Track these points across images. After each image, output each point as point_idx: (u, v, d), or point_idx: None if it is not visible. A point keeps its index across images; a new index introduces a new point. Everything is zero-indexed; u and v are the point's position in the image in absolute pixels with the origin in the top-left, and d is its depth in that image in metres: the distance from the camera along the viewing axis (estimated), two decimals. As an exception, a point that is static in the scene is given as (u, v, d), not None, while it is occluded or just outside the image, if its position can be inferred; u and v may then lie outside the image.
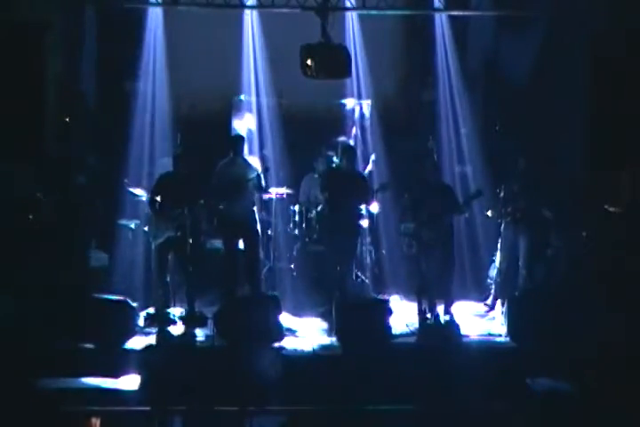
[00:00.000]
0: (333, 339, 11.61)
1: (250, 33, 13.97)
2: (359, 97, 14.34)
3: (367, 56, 14.10)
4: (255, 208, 12.61)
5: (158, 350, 11.19)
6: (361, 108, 14.42)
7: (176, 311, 12.20)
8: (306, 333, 11.94)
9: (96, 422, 9.79)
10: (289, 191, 13.47)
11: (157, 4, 13.22)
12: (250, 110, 14.32)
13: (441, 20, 13.96)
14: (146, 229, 12.59)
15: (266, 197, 13.18)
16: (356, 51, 13.92)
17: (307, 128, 14.24)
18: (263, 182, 12.55)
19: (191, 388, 10.83)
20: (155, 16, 13.74)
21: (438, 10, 13.35)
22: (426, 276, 12.29)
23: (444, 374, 10.74)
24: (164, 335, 11.63)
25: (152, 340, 11.52)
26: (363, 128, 14.35)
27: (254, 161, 13.00)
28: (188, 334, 11.78)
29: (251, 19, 13.86)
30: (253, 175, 12.40)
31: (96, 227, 12.79)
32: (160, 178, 12.32)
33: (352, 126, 14.29)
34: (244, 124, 14.36)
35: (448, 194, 12.24)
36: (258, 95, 14.19)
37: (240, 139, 12.79)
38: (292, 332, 11.87)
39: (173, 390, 10.54)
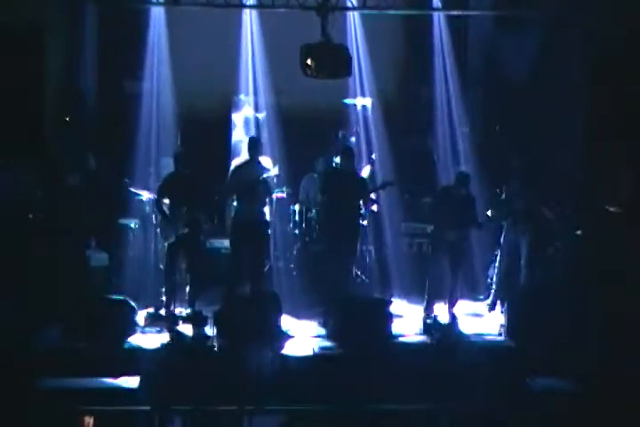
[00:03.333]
0: (333, 339, 11.61)
1: (248, 33, 13.95)
2: (360, 96, 14.33)
3: (369, 55, 14.09)
4: (266, 210, 12.64)
5: (169, 349, 11.24)
6: (362, 107, 14.41)
7: (176, 311, 12.23)
8: (306, 332, 11.93)
9: (89, 421, 9.80)
10: (289, 191, 13.49)
11: (158, 4, 13.24)
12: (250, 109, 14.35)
13: (439, 20, 13.95)
14: (158, 230, 12.62)
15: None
16: (358, 50, 13.92)
17: (307, 128, 14.24)
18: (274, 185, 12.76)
19: (192, 388, 10.86)
20: (156, 16, 13.74)
21: (438, 9, 13.35)
22: (432, 276, 12.35)
23: (444, 374, 10.75)
24: (176, 335, 11.68)
25: (160, 340, 11.56)
26: (364, 127, 14.34)
27: (267, 163, 13.03)
28: (193, 334, 11.83)
29: (249, 18, 13.85)
30: (265, 177, 12.49)
31: (95, 226, 12.80)
32: (165, 179, 12.39)
33: (353, 125, 14.29)
34: (243, 122, 14.38)
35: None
36: (257, 94, 14.19)
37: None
38: (292, 331, 11.88)
39: (174, 389, 10.56)
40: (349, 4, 12.87)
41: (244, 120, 14.25)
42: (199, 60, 14.09)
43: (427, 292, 12.38)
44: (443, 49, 14.15)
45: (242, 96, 14.26)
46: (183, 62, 14.03)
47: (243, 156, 13.21)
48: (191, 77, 14.11)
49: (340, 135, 14.05)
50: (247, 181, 12.36)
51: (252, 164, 12.56)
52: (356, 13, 13.71)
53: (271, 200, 12.97)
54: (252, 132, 14.13)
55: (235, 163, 12.94)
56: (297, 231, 13.48)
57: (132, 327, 11.68)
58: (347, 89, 14.23)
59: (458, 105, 14.21)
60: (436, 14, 13.78)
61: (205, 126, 14.19)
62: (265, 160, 13.02)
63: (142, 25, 13.82)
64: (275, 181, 13.08)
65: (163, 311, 12.17)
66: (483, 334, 11.97)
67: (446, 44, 14.12)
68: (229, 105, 14.47)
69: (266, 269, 13.08)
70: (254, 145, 12.65)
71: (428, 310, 12.32)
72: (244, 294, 12.53)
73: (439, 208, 12.28)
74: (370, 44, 14.11)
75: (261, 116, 14.23)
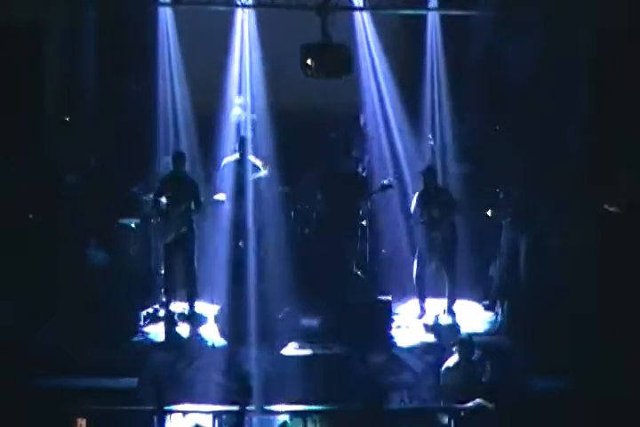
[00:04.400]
0: (332, 339, 11.61)
1: (239, 32, 13.92)
2: (364, 95, 14.31)
3: (374, 55, 14.07)
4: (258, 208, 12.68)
5: (168, 349, 11.25)
6: (366, 107, 14.38)
7: (177, 310, 12.25)
8: (305, 332, 11.93)
9: (82, 423, 9.82)
10: (288, 191, 13.48)
11: (159, 4, 13.23)
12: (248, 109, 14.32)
13: (433, 20, 13.96)
14: (152, 228, 12.66)
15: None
16: (370, 49, 13.92)
17: (307, 127, 14.22)
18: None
19: (192, 387, 10.87)
20: (156, 15, 13.73)
21: (439, 9, 13.35)
22: (419, 277, 12.39)
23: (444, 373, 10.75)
24: (175, 335, 11.70)
25: (159, 339, 11.58)
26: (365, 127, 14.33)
27: (258, 162, 13.04)
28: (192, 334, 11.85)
29: (243, 18, 13.81)
30: (256, 176, 12.48)
31: (95, 226, 12.81)
32: (163, 179, 12.43)
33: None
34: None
35: (447, 197, 12.35)
36: (252, 95, 14.15)
37: (243, 141, 12.83)
38: (291, 331, 11.88)
39: (174, 389, 10.56)
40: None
41: (236, 121, 14.20)
42: (198, 60, 14.07)
43: (416, 293, 12.42)
44: (436, 49, 14.14)
45: (237, 99, 14.20)
46: (182, 62, 14.02)
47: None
48: (190, 77, 14.08)
49: (333, 136, 14.05)
50: (235, 181, 12.42)
51: (242, 163, 12.59)
52: (365, 13, 13.67)
53: (261, 200, 12.98)
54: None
55: (224, 162, 12.92)
56: (297, 231, 13.47)
57: (131, 327, 11.69)
58: (348, 89, 14.19)
59: (456, 105, 14.18)
60: (430, 14, 13.77)
61: (205, 125, 14.16)
62: (256, 161, 13.03)
63: (144, 25, 13.80)
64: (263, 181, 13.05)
65: (162, 311, 12.18)
66: (482, 334, 11.96)
67: (440, 43, 14.10)
68: (226, 105, 14.43)
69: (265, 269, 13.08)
70: (243, 144, 12.69)
71: (421, 310, 12.37)
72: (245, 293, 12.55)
73: (424, 210, 12.31)
74: (377, 44, 14.07)
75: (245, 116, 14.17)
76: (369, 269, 13.30)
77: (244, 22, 13.82)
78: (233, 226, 12.54)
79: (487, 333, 12.05)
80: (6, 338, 10.88)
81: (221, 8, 13.05)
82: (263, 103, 14.07)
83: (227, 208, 12.66)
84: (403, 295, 13.05)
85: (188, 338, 11.77)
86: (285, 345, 11.50)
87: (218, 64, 13.98)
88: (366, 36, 13.90)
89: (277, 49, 13.71)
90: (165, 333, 11.82)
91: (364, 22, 13.83)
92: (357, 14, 13.70)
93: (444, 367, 10.51)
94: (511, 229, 12.56)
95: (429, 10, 13.63)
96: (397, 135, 13.99)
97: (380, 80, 14.16)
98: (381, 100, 14.21)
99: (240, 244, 12.63)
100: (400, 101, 14.32)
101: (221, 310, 11.70)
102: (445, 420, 10.15)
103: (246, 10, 13.56)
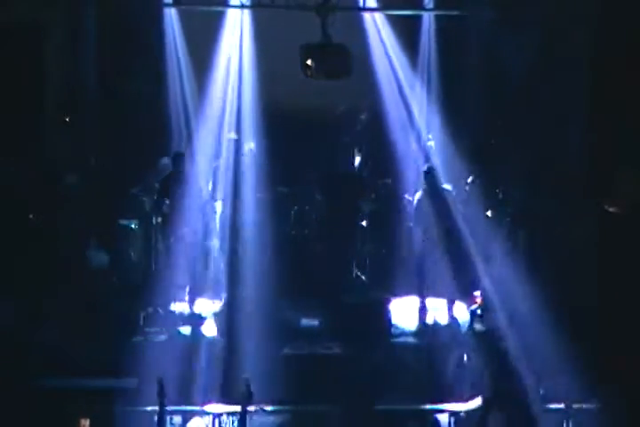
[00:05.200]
0: (333, 339, 11.62)
1: (240, 32, 13.93)
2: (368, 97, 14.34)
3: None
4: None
5: (168, 349, 11.28)
6: (370, 108, 14.41)
7: (177, 310, 12.27)
8: (305, 332, 11.94)
9: (85, 423, 9.84)
10: (287, 191, 13.51)
11: (163, 5, 13.27)
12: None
13: (429, 19, 13.98)
14: (153, 228, 12.70)
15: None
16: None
17: (307, 127, 14.24)
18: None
19: (192, 387, 10.88)
20: (160, 15, 13.76)
21: (436, 10, 13.36)
22: (428, 275, 12.41)
23: (444, 374, 10.76)
24: (175, 335, 11.72)
25: (159, 339, 11.59)
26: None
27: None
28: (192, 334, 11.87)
29: (244, 18, 13.83)
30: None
31: (95, 226, 12.83)
32: (163, 181, 12.49)
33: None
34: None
35: (447, 197, 12.38)
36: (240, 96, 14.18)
37: (228, 142, 12.90)
38: (291, 331, 11.89)
39: (174, 389, 10.57)
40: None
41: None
42: (196, 60, 14.09)
43: (416, 292, 12.43)
44: (434, 49, 14.16)
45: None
46: (181, 62, 14.04)
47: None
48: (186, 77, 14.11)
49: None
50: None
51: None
52: (376, 13, 13.68)
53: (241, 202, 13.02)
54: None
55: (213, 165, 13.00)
56: (297, 231, 13.49)
57: (131, 327, 11.70)
58: (348, 89, 14.20)
59: (451, 105, 14.20)
60: (427, 14, 13.79)
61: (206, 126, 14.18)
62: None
63: (144, 24, 13.82)
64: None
65: (162, 311, 12.19)
66: (481, 334, 11.96)
67: (437, 43, 14.12)
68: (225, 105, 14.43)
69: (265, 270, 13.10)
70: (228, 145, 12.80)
71: (421, 310, 12.38)
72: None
73: (425, 210, 12.35)
74: (378, 44, 14.10)
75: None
76: (369, 269, 13.33)
77: (244, 23, 13.84)
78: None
79: (486, 332, 12.04)
80: (6, 338, 10.88)
81: (221, 8, 13.03)
82: (263, 103, 14.10)
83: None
84: (402, 295, 13.07)
85: (188, 338, 11.76)
86: (285, 345, 11.51)
87: (218, 64, 14.02)
88: (380, 36, 13.91)
89: (277, 49, 13.72)
90: (166, 332, 11.84)
91: (375, 21, 13.84)
92: (367, 14, 13.72)
93: (447, 366, 10.53)
94: (511, 229, 12.58)
95: (427, 10, 13.63)
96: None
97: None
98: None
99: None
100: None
101: (221, 309, 11.72)
102: (444, 420, 10.19)
103: (246, 10, 13.57)
